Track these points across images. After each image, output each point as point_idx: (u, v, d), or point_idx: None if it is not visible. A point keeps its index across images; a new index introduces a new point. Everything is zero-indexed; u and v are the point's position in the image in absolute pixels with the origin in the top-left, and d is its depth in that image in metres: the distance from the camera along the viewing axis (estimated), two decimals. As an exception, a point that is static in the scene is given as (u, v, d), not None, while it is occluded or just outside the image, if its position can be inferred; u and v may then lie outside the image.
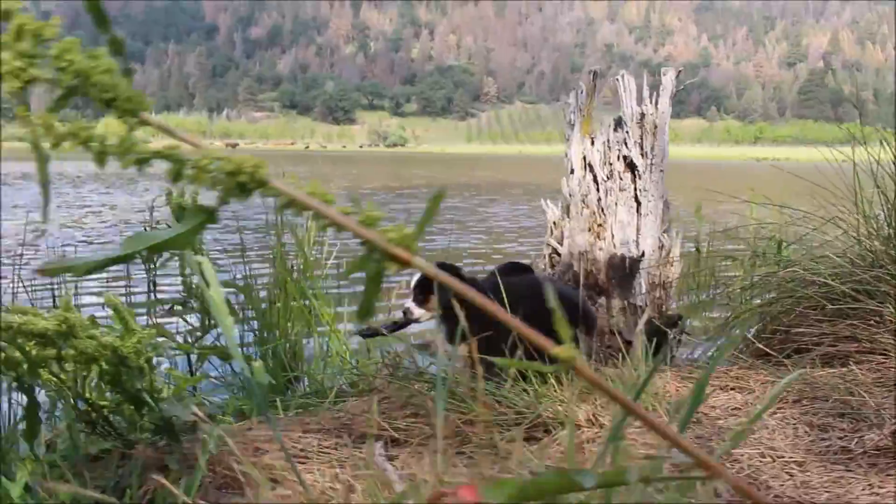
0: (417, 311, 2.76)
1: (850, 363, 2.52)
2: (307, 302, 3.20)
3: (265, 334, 3.08)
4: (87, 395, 1.46)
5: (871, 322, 2.62)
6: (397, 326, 2.85)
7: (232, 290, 3.16)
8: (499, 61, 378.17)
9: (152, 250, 0.54)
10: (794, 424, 1.97)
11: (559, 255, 3.54)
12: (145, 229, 4.88)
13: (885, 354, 2.54)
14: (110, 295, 1.42)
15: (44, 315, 1.30)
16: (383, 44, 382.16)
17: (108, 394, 1.54)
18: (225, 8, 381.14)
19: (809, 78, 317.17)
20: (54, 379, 1.46)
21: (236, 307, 3.10)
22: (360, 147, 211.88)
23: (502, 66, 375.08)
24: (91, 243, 9.92)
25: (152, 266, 2.94)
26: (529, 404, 1.98)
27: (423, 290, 2.86)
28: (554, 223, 3.63)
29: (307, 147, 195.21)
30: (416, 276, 2.83)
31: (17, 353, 1.28)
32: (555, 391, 2.08)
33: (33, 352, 1.29)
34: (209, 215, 0.55)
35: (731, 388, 2.52)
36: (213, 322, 2.66)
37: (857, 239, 2.84)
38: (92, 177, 26.65)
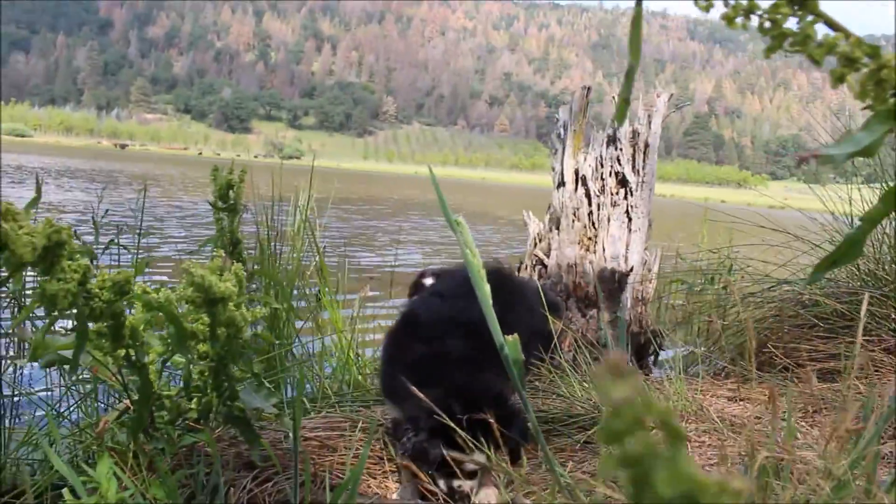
0: None
1: (845, 378, 2.66)
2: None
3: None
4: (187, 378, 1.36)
5: (862, 341, 2.78)
6: None
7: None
8: (399, 81, 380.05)
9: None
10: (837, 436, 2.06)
11: (545, 266, 3.58)
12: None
13: (878, 370, 2.69)
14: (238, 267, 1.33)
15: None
16: (284, 54, 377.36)
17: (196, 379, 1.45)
18: (121, 4, 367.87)
19: (695, 121, 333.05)
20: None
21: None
22: (255, 157, 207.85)
23: (402, 86, 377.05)
24: None
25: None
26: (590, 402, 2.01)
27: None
28: (538, 235, 3.68)
29: (200, 153, 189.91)
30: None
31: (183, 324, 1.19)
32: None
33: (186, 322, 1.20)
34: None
35: (740, 400, 2.61)
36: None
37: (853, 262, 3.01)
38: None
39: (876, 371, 2.70)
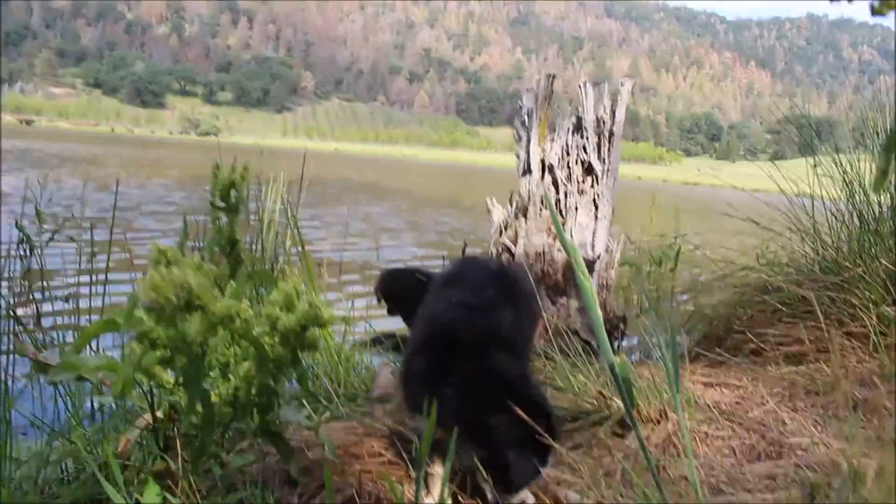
0: None
1: (812, 361, 2.79)
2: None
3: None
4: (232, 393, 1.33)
5: (823, 324, 2.91)
6: None
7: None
8: (318, 56, 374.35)
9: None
10: (820, 415, 2.17)
11: (511, 253, 3.62)
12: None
13: (841, 352, 2.82)
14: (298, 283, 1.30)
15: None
16: (199, 27, 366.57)
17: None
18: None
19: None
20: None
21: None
22: (171, 133, 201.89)
23: (321, 61, 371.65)
24: None
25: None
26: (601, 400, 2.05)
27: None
28: (504, 222, 3.71)
29: (112, 130, 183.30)
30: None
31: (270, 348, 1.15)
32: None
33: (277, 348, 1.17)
34: None
35: (716, 385, 2.70)
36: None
37: (812, 248, 3.14)
38: None
39: (841, 354, 2.83)
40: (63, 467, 1.78)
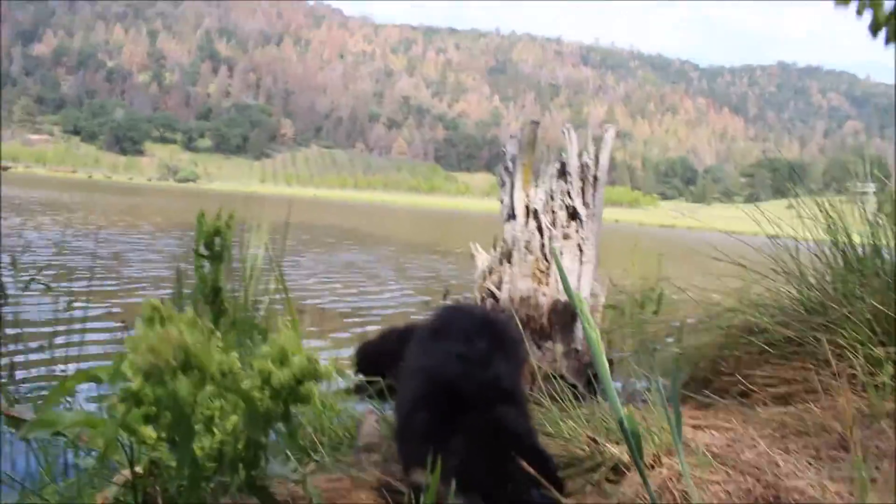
0: None
1: (800, 402, 2.79)
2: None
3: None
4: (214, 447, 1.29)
5: (810, 364, 2.91)
6: None
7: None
8: (298, 104, 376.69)
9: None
10: (810, 458, 2.15)
11: (496, 299, 3.61)
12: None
13: (828, 392, 2.82)
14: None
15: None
16: (179, 76, 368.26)
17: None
18: (4, 18, 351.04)
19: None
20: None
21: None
22: (149, 180, 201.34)
23: (301, 109, 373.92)
24: None
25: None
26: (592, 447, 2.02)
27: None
28: (489, 268, 3.71)
29: (90, 176, 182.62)
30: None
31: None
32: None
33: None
34: None
35: (705, 427, 2.69)
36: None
37: (797, 289, 3.15)
38: None
39: (828, 394, 2.83)
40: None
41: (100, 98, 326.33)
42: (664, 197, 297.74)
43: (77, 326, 3.98)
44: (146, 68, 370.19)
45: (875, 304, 2.92)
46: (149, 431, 1.20)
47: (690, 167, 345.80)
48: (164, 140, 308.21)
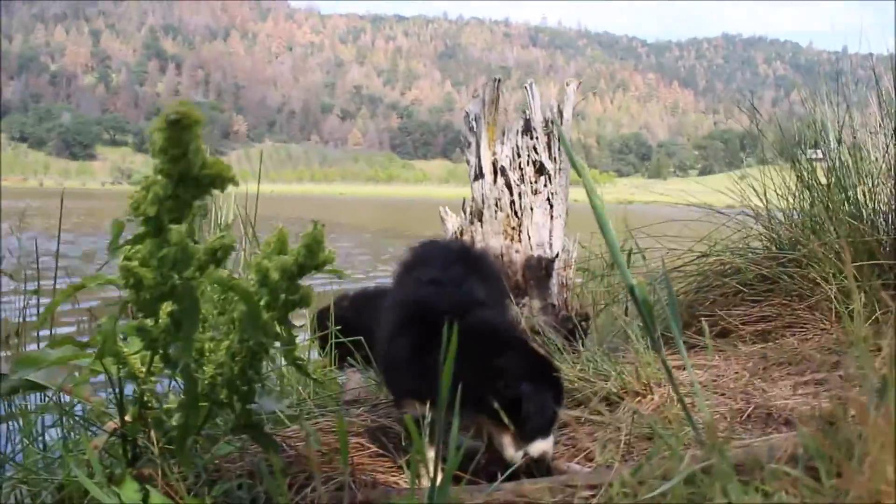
0: None
1: (778, 337, 2.82)
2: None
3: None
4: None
5: (784, 300, 2.95)
6: None
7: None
8: (248, 99, 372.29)
9: None
10: (803, 384, 2.17)
11: (469, 259, 3.58)
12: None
13: (803, 327, 2.86)
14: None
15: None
16: (127, 76, 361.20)
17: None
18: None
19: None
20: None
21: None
22: (103, 185, 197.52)
23: (252, 104, 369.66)
24: None
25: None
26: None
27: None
28: (459, 229, 3.68)
29: (41, 184, 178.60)
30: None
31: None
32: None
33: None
34: None
35: (692, 367, 2.70)
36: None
37: (766, 227, 3.19)
38: None
39: (802, 328, 2.87)
40: (17, 496, 1.66)
41: (45, 102, 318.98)
42: (620, 174, 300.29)
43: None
44: (91, 69, 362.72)
45: (843, 236, 2.95)
46: (137, 363, 1.15)
47: (644, 143, 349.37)
48: (114, 143, 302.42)
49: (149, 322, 1.09)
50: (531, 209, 3.50)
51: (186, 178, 1.03)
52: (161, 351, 1.11)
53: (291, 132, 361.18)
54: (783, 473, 0.97)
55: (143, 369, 1.16)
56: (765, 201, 3.25)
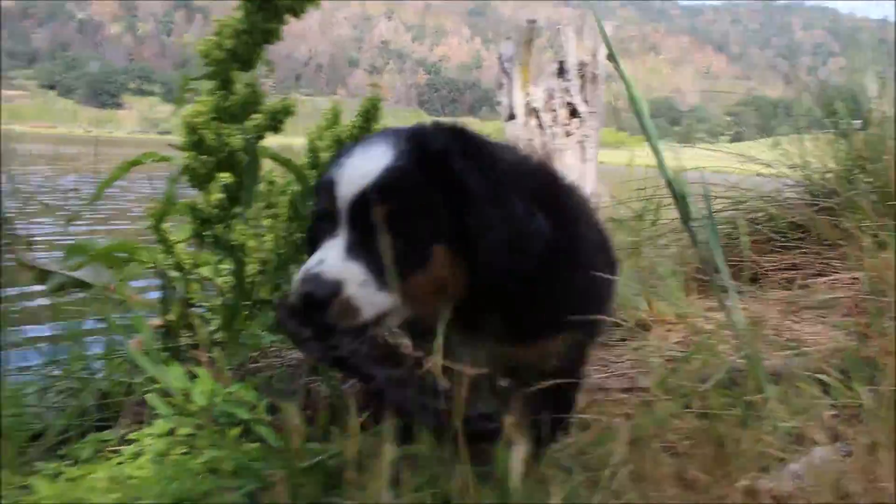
0: None
1: (807, 284, 2.80)
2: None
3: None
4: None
5: (817, 250, 2.93)
6: None
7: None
8: (276, 52, 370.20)
9: None
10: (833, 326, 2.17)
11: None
12: None
13: (834, 275, 2.84)
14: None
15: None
16: (153, 25, 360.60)
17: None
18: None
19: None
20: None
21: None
22: (130, 133, 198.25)
23: (279, 57, 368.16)
24: None
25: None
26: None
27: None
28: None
29: (70, 132, 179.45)
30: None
31: None
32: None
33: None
34: None
35: (719, 310, 2.70)
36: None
37: (803, 174, 3.15)
38: None
39: (833, 275, 2.85)
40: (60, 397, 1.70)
41: (73, 51, 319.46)
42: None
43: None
44: (118, 19, 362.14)
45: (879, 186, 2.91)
46: (186, 255, 1.17)
47: (675, 107, 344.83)
48: (142, 92, 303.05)
49: (200, 200, 1.11)
50: (563, 151, 3.49)
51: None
52: (211, 233, 1.12)
53: (318, 85, 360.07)
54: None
55: (190, 260, 1.18)
56: (801, 154, 3.20)
